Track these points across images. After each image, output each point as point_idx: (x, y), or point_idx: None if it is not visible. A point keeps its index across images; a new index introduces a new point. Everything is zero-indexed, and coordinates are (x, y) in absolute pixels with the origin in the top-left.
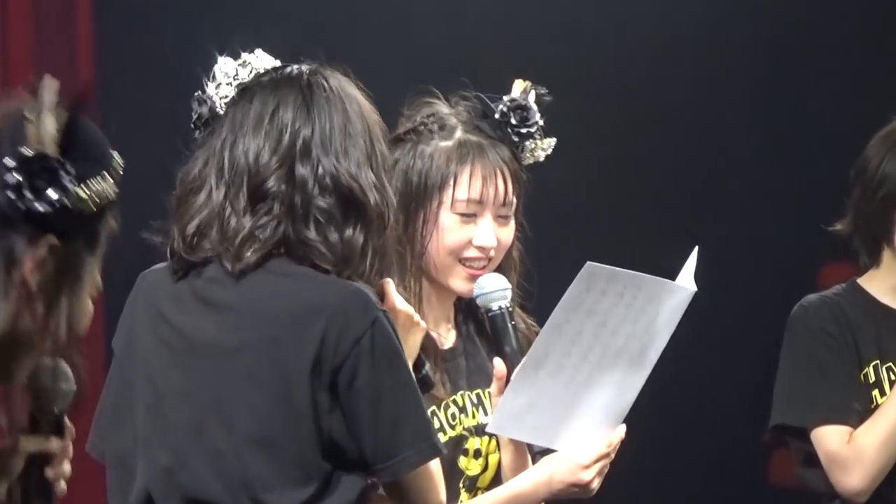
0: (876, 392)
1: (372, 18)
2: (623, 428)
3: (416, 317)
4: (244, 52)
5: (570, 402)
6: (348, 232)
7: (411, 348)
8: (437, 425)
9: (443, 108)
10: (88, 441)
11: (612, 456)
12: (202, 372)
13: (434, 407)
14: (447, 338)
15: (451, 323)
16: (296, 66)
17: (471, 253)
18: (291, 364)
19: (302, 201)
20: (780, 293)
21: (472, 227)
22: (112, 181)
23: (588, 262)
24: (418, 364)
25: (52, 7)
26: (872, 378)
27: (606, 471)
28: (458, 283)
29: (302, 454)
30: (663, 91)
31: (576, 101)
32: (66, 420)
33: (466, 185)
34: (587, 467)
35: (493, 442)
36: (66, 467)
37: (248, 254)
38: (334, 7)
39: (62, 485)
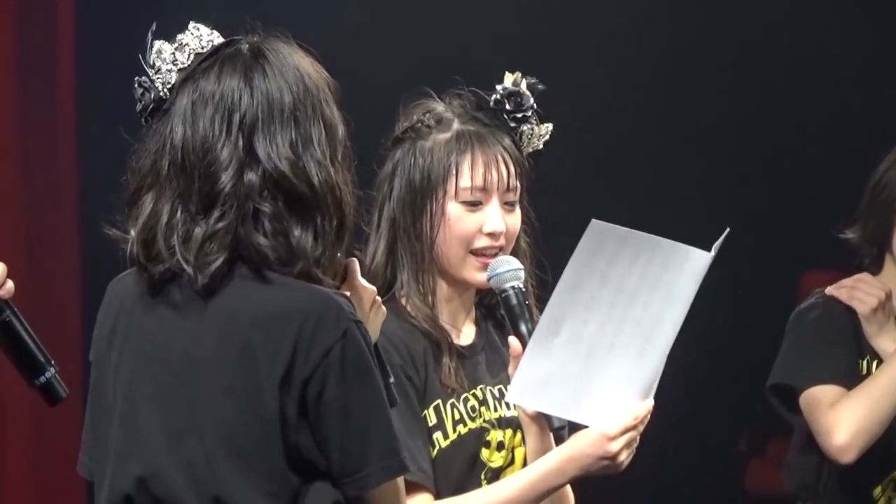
0: None
1: (359, 22)
2: (650, 401)
3: (379, 299)
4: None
5: (591, 372)
6: (297, 232)
7: (372, 330)
8: (456, 417)
9: (437, 105)
10: (78, 462)
11: (640, 429)
12: (175, 381)
13: (453, 399)
14: (466, 334)
15: (471, 320)
16: (236, 44)
17: (481, 242)
18: (262, 374)
19: (252, 205)
20: (759, 302)
21: (480, 214)
22: None
23: (593, 220)
24: (384, 374)
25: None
26: (864, 371)
27: (636, 445)
28: (473, 274)
29: (272, 466)
30: (653, 90)
31: (571, 92)
32: None
33: (469, 173)
34: (613, 438)
35: (518, 436)
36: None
37: (211, 262)
38: (322, 12)
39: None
